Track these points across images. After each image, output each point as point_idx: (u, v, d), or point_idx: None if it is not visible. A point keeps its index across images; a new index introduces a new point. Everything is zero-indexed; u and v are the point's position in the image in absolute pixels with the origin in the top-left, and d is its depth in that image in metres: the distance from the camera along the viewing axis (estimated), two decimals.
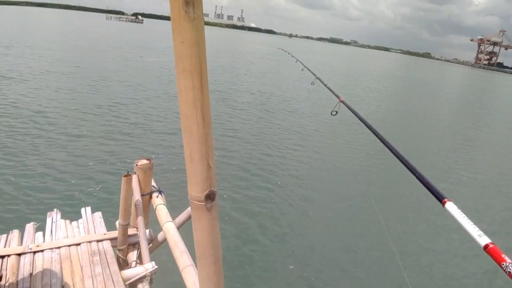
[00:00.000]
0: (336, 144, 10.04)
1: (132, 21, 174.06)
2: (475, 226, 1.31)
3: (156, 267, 3.51)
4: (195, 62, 1.04)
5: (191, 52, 1.03)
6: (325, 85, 3.82)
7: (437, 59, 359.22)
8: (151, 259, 3.63)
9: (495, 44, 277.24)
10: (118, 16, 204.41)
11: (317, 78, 4.03)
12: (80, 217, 4.50)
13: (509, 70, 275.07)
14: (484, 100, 52.40)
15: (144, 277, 3.47)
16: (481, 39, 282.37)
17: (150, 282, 3.48)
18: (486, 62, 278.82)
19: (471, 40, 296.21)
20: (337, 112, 3.16)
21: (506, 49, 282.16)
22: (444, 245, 7.03)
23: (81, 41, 45.67)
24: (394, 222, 8.15)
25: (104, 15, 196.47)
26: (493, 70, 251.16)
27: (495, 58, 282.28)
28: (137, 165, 3.96)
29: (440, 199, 1.55)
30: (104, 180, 9.31)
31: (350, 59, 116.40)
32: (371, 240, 7.61)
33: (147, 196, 4.04)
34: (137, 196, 3.86)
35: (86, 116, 14.30)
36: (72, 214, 6.54)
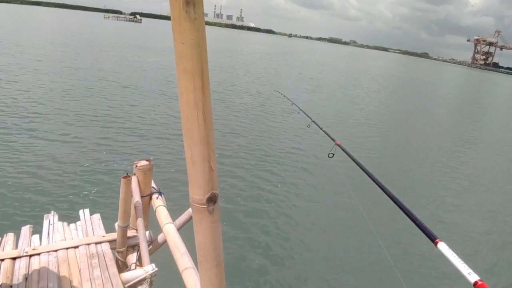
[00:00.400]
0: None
1: (130, 21, 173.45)
2: (465, 264, 1.40)
3: (156, 269, 3.48)
4: (196, 63, 1.02)
5: (192, 52, 1.01)
6: (321, 128, 3.88)
7: (435, 59, 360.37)
8: (151, 261, 3.61)
9: (490, 44, 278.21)
10: (116, 15, 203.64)
11: (312, 121, 4.10)
12: (78, 219, 4.46)
13: (504, 70, 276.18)
14: (481, 100, 52.58)
15: (144, 279, 3.44)
16: (477, 40, 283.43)
17: (150, 285, 3.45)
18: (482, 62, 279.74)
19: (468, 41, 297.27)
20: (333, 155, 3.21)
21: (501, 49, 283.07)
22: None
23: (77, 41, 45.41)
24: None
25: (102, 14, 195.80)
26: (489, 70, 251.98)
27: (491, 58, 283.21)
28: (136, 166, 3.93)
29: (433, 239, 1.64)
30: (103, 182, 9.26)
31: (349, 59, 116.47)
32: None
33: (147, 197, 4.01)
34: (136, 197, 3.84)
35: (82, 117, 14.24)
36: (70, 216, 6.53)
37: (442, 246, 1.57)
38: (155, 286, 3.62)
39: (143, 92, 20.70)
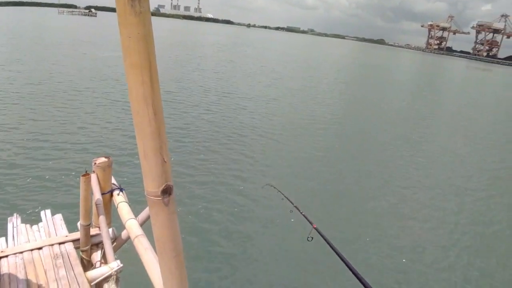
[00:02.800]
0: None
1: (85, 15, 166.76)
2: None
3: (122, 265, 3.46)
4: (144, 57, 1.02)
5: (139, 46, 1.01)
6: (301, 213, 4.04)
7: (391, 45, 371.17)
8: (117, 258, 3.58)
9: (444, 29, 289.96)
10: (71, 10, 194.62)
11: (294, 206, 4.28)
12: (41, 220, 4.37)
13: (457, 54, 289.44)
14: (435, 83, 54.96)
15: (109, 276, 3.42)
16: (431, 25, 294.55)
17: (117, 281, 3.43)
18: (436, 47, 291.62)
19: (422, 26, 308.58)
20: (312, 238, 3.29)
21: (454, 33, 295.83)
22: None
23: (23, 39, 42.80)
24: None
25: (56, 9, 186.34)
26: (442, 54, 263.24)
27: (445, 42, 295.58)
28: (95, 163, 3.86)
29: None
30: (63, 181, 8.98)
31: (308, 48, 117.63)
32: None
33: (107, 194, 3.95)
34: (97, 195, 3.77)
35: (36, 117, 13.62)
36: (32, 218, 6.30)
37: None
38: (122, 282, 3.59)
39: (97, 88, 19.96)
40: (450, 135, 21.29)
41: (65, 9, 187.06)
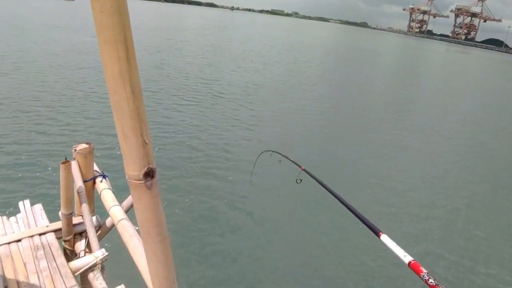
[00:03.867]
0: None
1: None
2: (402, 250, 1.61)
3: (107, 254, 3.40)
4: (118, 31, 0.95)
5: (113, 21, 0.94)
6: (290, 160, 4.24)
7: (374, 28, 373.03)
8: (102, 246, 3.52)
9: (424, 12, 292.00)
10: None
11: (284, 156, 4.53)
12: (19, 211, 4.24)
13: (437, 37, 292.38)
14: (416, 65, 55.55)
15: (94, 265, 3.35)
16: (412, 8, 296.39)
17: (102, 270, 3.38)
18: (417, 30, 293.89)
19: (404, 9, 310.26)
20: (301, 180, 3.40)
21: (434, 17, 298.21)
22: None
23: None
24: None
25: None
26: (423, 37, 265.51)
27: (425, 26, 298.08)
28: (75, 150, 3.75)
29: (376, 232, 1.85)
30: (42, 170, 8.75)
31: (294, 31, 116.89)
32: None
33: (90, 181, 3.85)
34: (79, 183, 3.68)
35: (11, 104, 13.18)
36: (9, 210, 6.14)
37: (384, 237, 1.77)
38: (108, 270, 3.55)
39: (76, 73, 19.43)
40: (432, 109, 21.70)
41: None
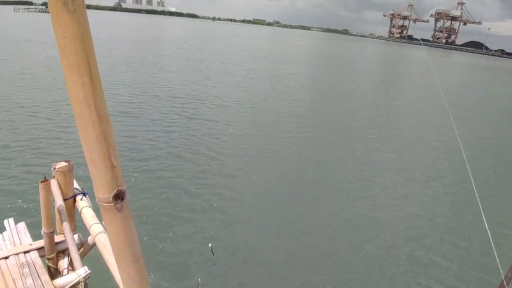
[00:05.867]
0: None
1: (42, 11, 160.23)
2: None
3: (89, 271, 3.37)
4: (82, 57, 0.96)
5: (76, 46, 0.95)
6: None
7: (355, 35, 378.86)
8: (85, 264, 3.48)
9: (405, 18, 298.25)
10: (27, 7, 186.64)
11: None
12: (5, 229, 4.21)
13: (418, 42, 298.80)
14: (398, 71, 56.48)
15: (77, 283, 3.34)
16: (392, 14, 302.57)
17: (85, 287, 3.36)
18: (398, 36, 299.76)
19: (384, 15, 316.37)
20: None
21: (414, 22, 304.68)
22: None
23: None
24: None
25: (12, 7, 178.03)
26: (404, 42, 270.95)
27: (406, 31, 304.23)
28: (55, 168, 3.71)
29: None
30: (24, 188, 8.59)
31: (275, 40, 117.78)
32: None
33: (70, 200, 3.82)
34: (59, 201, 3.64)
35: None
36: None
37: None
38: (91, 287, 3.51)
39: (51, 90, 19.02)
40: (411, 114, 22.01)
41: (21, 6, 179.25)
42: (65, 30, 0.93)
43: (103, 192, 1.12)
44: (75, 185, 3.84)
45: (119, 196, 1.13)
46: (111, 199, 1.12)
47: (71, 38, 0.94)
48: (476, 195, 4.52)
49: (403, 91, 35.68)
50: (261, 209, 9.27)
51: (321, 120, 19.44)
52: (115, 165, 1.07)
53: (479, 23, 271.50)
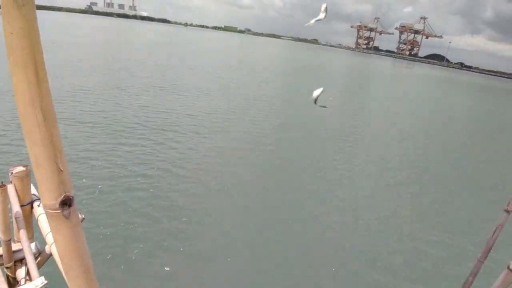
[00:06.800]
0: None
1: None
2: None
3: (46, 282, 3.21)
4: (28, 54, 0.90)
5: (23, 43, 0.89)
6: None
7: (324, 44, 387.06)
8: (43, 274, 3.31)
9: (371, 30, 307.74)
10: None
11: None
12: None
13: (384, 52, 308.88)
14: (368, 82, 58.07)
15: None
16: (359, 26, 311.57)
17: None
18: (365, 47, 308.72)
19: (351, 27, 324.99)
20: None
21: (380, 34, 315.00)
22: None
23: None
24: None
25: None
26: (370, 53, 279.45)
27: (372, 42, 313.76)
28: (12, 173, 3.53)
29: None
30: None
31: (246, 48, 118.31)
32: None
33: (27, 206, 3.63)
34: (15, 207, 3.45)
35: None
36: None
37: None
38: None
39: (7, 92, 18.10)
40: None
41: None
42: (13, 26, 0.88)
43: (50, 198, 1.05)
44: (33, 190, 3.66)
45: (66, 203, 1.06)
46: (57, 205, 1.06)
47: (18, 35, 0.89)
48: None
49: (367, 99, 36.68)
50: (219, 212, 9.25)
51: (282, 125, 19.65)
52: (62, 169, 1.01)
53: (441, 37, 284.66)
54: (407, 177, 14.38)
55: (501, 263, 3.62)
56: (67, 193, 1.05)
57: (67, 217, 1.08)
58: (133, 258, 7.26)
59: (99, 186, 9.76)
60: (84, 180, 9.92)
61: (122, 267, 6.97)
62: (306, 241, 8.93)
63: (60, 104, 16.81)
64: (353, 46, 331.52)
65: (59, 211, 1.06)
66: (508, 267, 3.47)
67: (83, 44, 47.46)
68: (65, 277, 1.21)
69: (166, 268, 7.06)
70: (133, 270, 6.94)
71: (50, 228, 1.12)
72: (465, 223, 11.31)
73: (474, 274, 6.11)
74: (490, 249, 5.37)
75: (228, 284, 7.05)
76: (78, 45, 43.32)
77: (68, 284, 1.22)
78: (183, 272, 7.06)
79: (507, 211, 5.30)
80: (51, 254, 3.75)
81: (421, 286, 7.95)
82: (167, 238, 8.07)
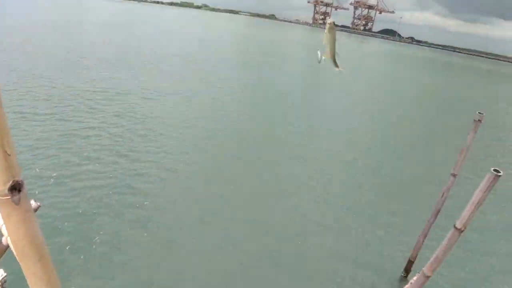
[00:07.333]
0: None
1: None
2: None
3: (5, 274, 3.10)
4: None
5: None
6: None
7: (282, 20, 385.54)
8: (2, 266, 3.18)
9: (327, 5, 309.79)
10: None
11: None
12: None
13: (339, 27, 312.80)
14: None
15: None
16: (316, 1, 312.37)
17: None
18: (321, 22, 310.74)
19: (308, 2, 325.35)
20: None
21: (336, 9, 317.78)
22: None
23: None
24: None
25: None
26: (323, 28, 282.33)
27: (328, 17, 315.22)
28: None
29: None
30: None
31: (207, 24, 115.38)
32: None
33: None
34: None
35: None
36: None
37: None
38: None
39: None
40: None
41: None
42: None
43: None
44: None
45: (15, 187, 1.01)
46: (6, 191, 1.00)
47: None
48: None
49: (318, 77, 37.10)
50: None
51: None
52: (9, 153, 0.96)
53: (393, 12, 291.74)
54: (366, 151, 14.91)
55: (450, 224, 3.87)
56: (16, 178, 1.00)
57: (17, 203, 1.02)
58: (93, 247, 7.10)
59: (53, 175, 9.36)
60: (37, 170, 9.48)
61: (82, 256, 6.80)
62: (271, 216, 9.11)
63: (10, 92, 15.76)
64: (311, 21, 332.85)
65: (9, 197, 1.01)
66: (454, 226, 3.72)
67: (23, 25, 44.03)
68: (21, 265, 1.16)
69: (125, 257, 6.97)
70: (93, 258, 6.80)
71: (1, 216, 1.06)
72: (418, 189, 11.97)
73: (425, 234, 6.52)
74: (439, 211, 5.72)
75: (190, 270, 7.08)
76: (14, 28, 40.18)
77: (24, 273, 1.17)
78: (143, 260, 7.00)
79: (453, 175, 5.64)
80: (8, 246, 3.60)
81: (376, 250, 8.39)
82: (127, 227, 7.93)
